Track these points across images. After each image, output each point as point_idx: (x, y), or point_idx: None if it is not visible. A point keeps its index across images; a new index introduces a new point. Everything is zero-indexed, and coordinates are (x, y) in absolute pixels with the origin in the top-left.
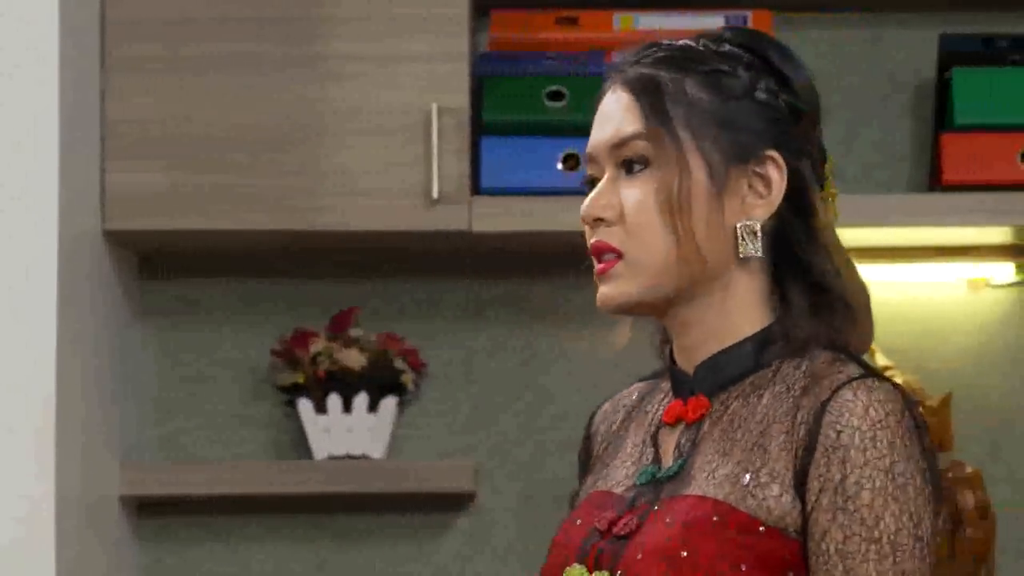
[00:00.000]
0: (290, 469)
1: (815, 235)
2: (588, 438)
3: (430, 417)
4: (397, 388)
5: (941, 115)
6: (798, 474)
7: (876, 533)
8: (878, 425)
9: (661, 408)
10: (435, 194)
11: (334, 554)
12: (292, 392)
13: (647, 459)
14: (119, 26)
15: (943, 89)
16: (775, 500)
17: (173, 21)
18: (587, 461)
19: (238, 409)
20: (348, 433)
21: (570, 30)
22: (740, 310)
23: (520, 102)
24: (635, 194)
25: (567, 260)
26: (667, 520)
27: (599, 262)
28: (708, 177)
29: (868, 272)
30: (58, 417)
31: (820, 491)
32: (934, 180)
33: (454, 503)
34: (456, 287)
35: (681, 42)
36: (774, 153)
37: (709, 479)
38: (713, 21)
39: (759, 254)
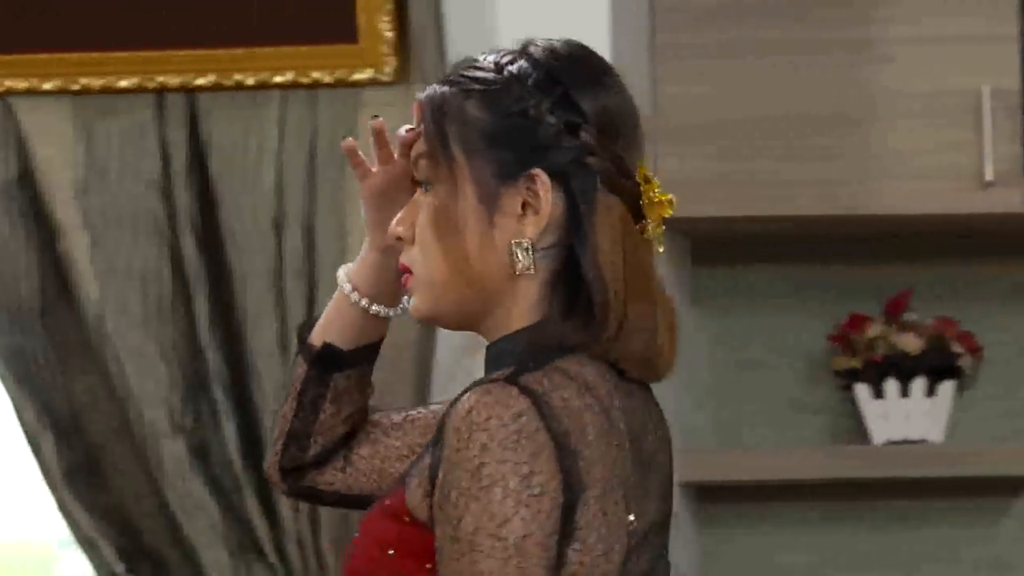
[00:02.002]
0: (847, 454)
1: (587, 250)
2: None
3: (988, 401)
4: (954, 372)
5: None
6: (431, 475)
7: (458, 532)
8: (475, 427)
9: None
10: (988, 176)
11: (890, 538)
12: (848, 377)
13: None
14: (668, 13)
15: None
16: (411, 492)
17: (720, 7)
18: None
19: (793, 394)
20: (906, 418)
21: None
22: (526, 315)
23: None
24: (422, 214)
25: None
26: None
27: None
28: (477, 197)
29: None
30: None
31: (435, 490)
32: None
33: (1011, 487)
34: (1010, 270)
35: (483, 60)
36: (538, 171)
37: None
38: None
39: (531, 271)
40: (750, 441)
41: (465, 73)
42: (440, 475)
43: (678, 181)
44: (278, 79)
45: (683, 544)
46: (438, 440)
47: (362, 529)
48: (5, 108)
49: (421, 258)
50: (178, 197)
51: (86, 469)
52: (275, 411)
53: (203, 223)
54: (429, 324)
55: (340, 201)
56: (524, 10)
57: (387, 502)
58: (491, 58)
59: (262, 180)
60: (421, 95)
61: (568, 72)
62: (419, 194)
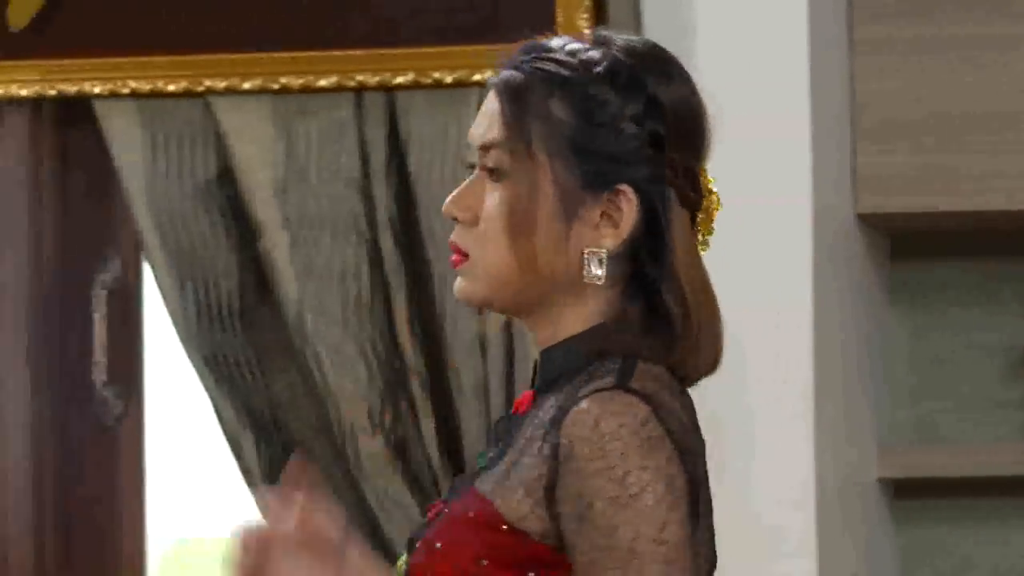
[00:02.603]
0: None
1: (665, 261)
2: None
3: None
4: None
5: None
6: (547, 485)
7: (613, 542)
8: (607, 437)
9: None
10: None
11: None
12: None
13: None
14: (866, 8)
15: None
16: (517, 503)
17: (918, 1)
18: None
19: (992, 391)
20: None
21: None
22: (585, 318)
23: None
24: (490, 203)
25: None
26: (446, 511)
27: (453, 255)
28: (558, 201)
29: None
30: (816, 400)
31: (564, 502)
32: None
33: None
34: None
35: (561, 51)
36: (626, 187)
37: (489, 474)
38: None
39: (601, 282)
40: (949, 437)
41: (546, 66)
42: (570, 487)
43: (876, 177)
44: (477, 77)
45: (880, 540)
46: (551, 451)
47: (442, 540)
48: (205, 107)
49: (483, 247)
50: (377, 195)
51: (286, 468)
52: (474, 409)
53: (402, 221)
54: (474, 307)
55: None
56: (722, 5)
57: (470, 514)
58: (571, 47)
59: (461, 178)
60: (494, 79)
61: (652, 77)
62: (481, 177)
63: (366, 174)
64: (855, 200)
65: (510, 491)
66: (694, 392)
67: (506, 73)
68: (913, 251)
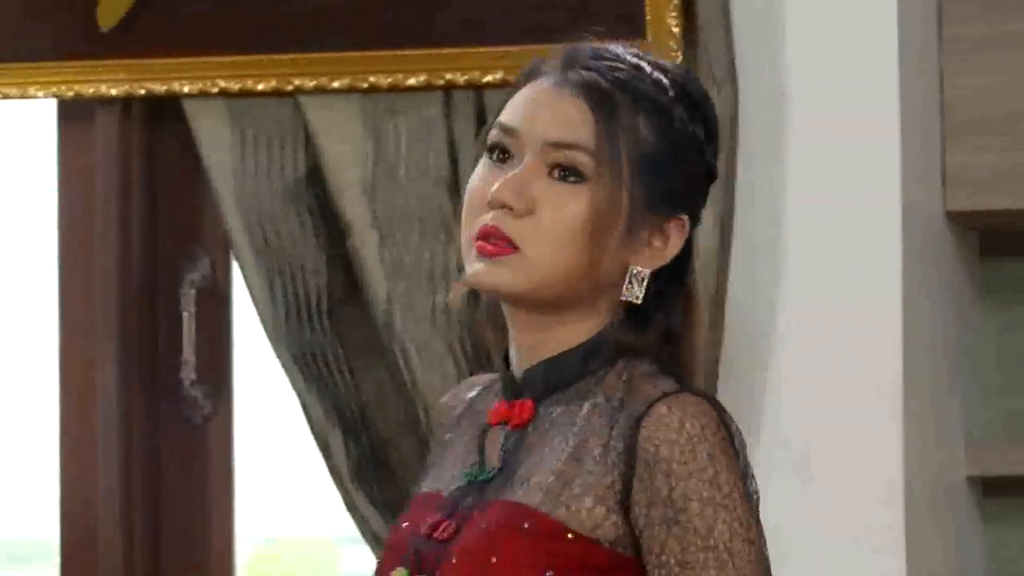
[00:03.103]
0: None
1: (682, 289)
2: (435, 429)
3: None
4: None
5: None
6: (621, 490)
7: (711, 542)
8: (696, 438)
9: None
10: None
11: None
12: None
13: (472, 461)
14: (956, 6)
15: None
16: (587, 512)
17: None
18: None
19: None
20: None
21: None
22: (590, 330)
23: None
24: (564, 202)
25: None
26: (482, 525)
27: (488, 242)
28: (626, 217)
29: None
30: (905, 398)
31: (649, 505)
32: None
33: None
34: None
35: (629, 64)
36: (685, 218)
37: (526, 485)
38: None
39: (639, 300)
40: None
41: (626, 78)
42: (657, 491)
43: (965, 174)
44: None
45: (968, 539)
46: (621, 458)
47: (496, 554)
48: (294, 106)
49: (544, 245)
50: None
51: (374, 465)
52: None
53: None
54: (494, 296)
55: None
56: (811, 2)
57: (525, 525)
58: (635, 62)
59: None
60: (571, 77)
61: (706, 106)
62: (537, 170)
63: (455, 172)
64: (944, 198)
65: (574, 500)
66: (786, 390)
67: (587, 75)
68: (1002, 248)
